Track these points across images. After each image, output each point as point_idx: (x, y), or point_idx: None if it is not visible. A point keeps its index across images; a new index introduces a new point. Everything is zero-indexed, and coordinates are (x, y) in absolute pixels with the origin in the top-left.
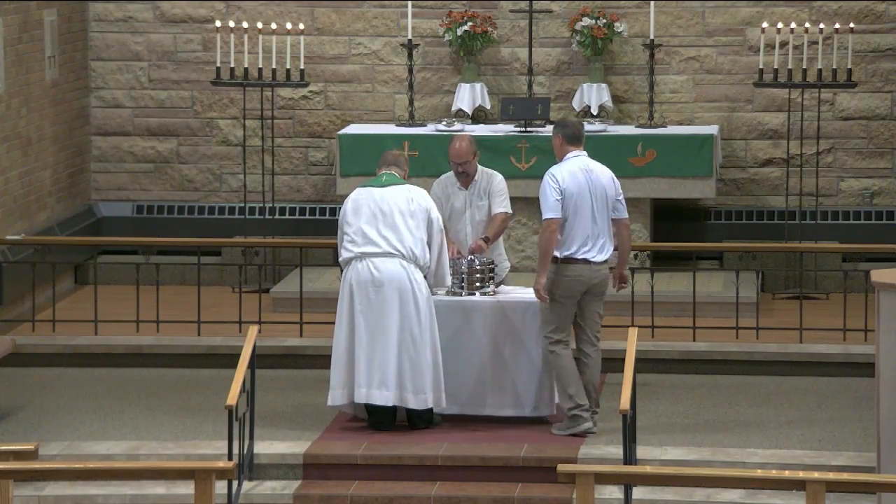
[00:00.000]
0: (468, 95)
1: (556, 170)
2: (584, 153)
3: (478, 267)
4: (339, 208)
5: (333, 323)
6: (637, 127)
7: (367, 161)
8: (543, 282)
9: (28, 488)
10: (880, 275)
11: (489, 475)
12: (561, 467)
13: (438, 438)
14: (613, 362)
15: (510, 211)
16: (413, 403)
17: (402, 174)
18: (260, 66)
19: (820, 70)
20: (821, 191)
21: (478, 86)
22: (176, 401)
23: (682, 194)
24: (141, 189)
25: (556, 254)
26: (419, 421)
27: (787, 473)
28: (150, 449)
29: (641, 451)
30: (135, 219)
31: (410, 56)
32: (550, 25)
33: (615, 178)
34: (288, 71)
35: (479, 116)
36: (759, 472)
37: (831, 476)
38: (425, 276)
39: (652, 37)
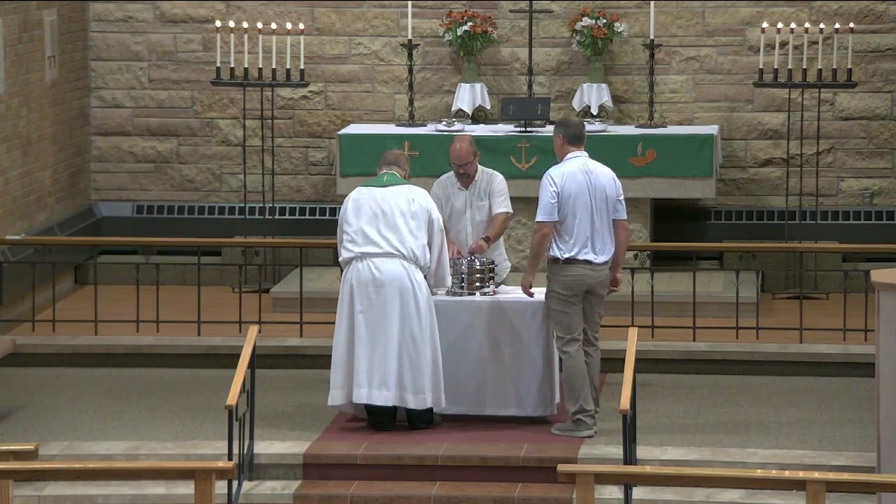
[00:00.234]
0: (468, 95)
1: (554, 171)
2: (585, 153)
3: (478, 267)
4: (339, 208)
5: (333, 323)
6: (637, 127)
7: (367, 161)
8: (530, 280)
9: (28, 488)
10: (880, 275)
11: (489, 475)
12: (561, 467)
13: (438, 438)
14: (613, 362)
15: (511, 211)
16: (413, 403)
17: (402, 174)
18: (260, 66)
19: (820, 70)
20: (821, 191)
21: (478, 86)
22: (176, 401)
23: (682, 194)
24: (141, 189)
25: (558, 255)
26: (419, 421)
27: (787, 473)
28: (150, 449)
29: (641, 451)
30: (135, 219)
31: (410, 56)
32: (550, 25)
33: (616, 178)
34: (288, 71)
35: (479, 116)
36: (759, 472)
37: (831, 476)
38: (425, 277)
39: (652, 37)
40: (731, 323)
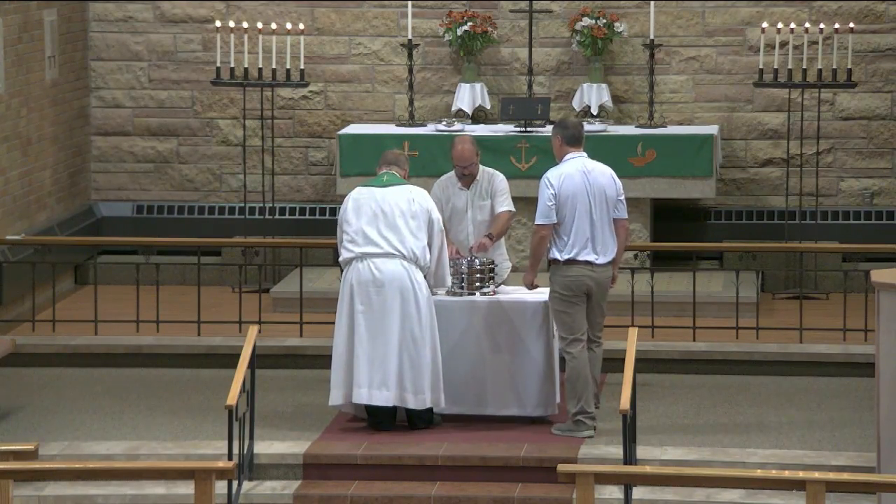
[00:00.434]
0: (468, 95)
1: (552, 173)
2: (584, 154)
3: (478, 267)
4: (339, 208)
5: (333, 323)
6: (637, 127)
7: (367, 161)
8: (531, 279)
9: (28, 488)
10: (880, 275)
11: (489, 475)
12: (561, 467)
13: (438, 438)
14: (613, 362)
15: (513, 209)
16: (413, 403)
17: (402, 174)
18: (260, 66)
19: (820, 70)
20: (821, 191)
21: (478, 86)
22: (176, 401)
23: (682, 194)
24: (141, 189)
25: (558, 256)
26: (419, 421)
27: (787, 473)
28: (150, 449)
29: (641, 451)
30: (135, 219)
31: (410, 56)
32: (550, 25)
33: (616, 177)
34: (288, 71)
35: (479, 116)
36: (759, 472)
37: (831, 476)
38: (425, 277)
39: (652, 37)
40: (731, 323)
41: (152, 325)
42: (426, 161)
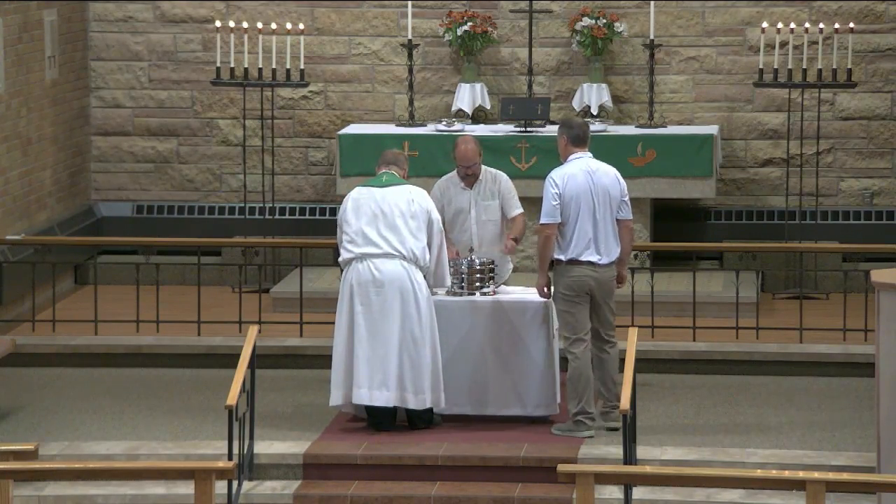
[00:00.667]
0: (468, 95)
1: (556, 173)
2: (589, 154)
3: (478, 267)
4: (339, 208)
5: (333, 323)
6: (637, 127)
7: (367, 161)
8: (543, 282)
9: (28, 488)
10: (880, 275)
11: (489, 475)
12: (561, 467)
13: (438, 438)
14: None
15: (522, 209)
16: (413, 404)
17: (401, 173)
18: (260, 66)
19: (820, 70)
20: (821, 191)
21: (478, 86)
22: (176, 401)
23: (682, 194)
24: (141, 189)
25: (561, 256)
26: (419, 421)
27: (787, 473)
28: (150, 449)
29: (641, 451)
30: (135, 219)
31: (410, 56)
32: (550, 25)
33: (621, 178)
34: (288, 71)
35: (479, 116)
36: (759, 472)
37: (831, 476)
38: (425, 277)
39: (652, 37)
40: (731, 323)
41: (152, 325)
42: (426, 161)
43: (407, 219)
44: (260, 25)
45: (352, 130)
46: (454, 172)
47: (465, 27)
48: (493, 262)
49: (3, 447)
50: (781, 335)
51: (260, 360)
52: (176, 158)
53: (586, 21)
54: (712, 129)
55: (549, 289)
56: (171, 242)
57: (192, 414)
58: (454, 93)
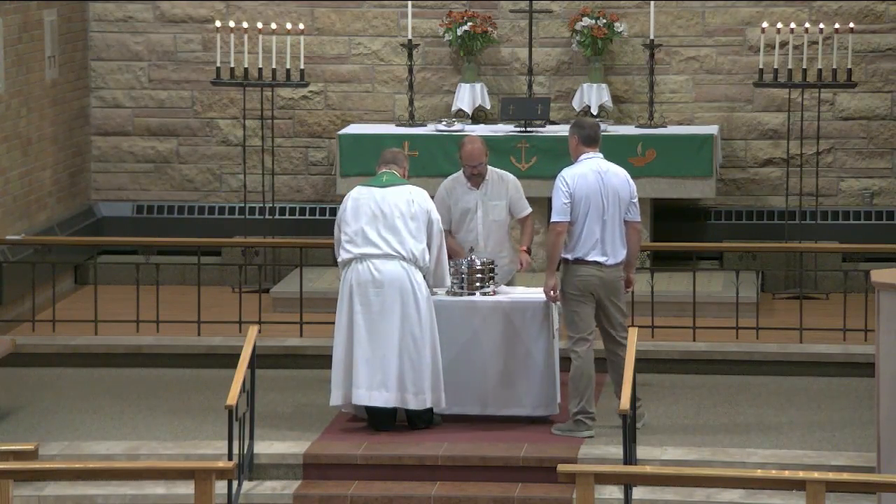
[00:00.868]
0: (468, 95)
1: (567, 172)
2: (600, 155)
3: (478, 267)
4: (339, 208)
5: (333, 323)
6: (637, 127)
7: (367, 161)
8: (552, 283)
9: (28, 488)
10: (880, 275)
11: (489, 475)
12: (561, 467)
13: (438, 438)
14: None
15: (531, 208)
16: (413, 404)
17: (401, 173)
18: (260, 66)
19: (820, 70)
20: (821, 191)
21: (478, 86)
22: (176, 401)
23: (682, 194)
24: (141, 189)
25: (567, 256)
26: (419, 421)
27: (787, 473)
28: (150, 449)
29: (641, 451)
30: (135, 219)
31: (410, 56)
32: (550, 25)
33: (630, 179)
34: (288, 71)
35: (479, 116)
36: (759, 472)
37: (831, 476)
38: (425, 277)
39: (652, 37)
40: (731, 323)
41: (152, 325)
42: (426, 161)
43: (407, 220)
44: (260, 25)
45: (352, 130)
46: (460, 173)
47: (465, 27)
48: (493, 263)
49: (3, 447)
50: (781, 335)
51: (260, 360)
52: (176, 158)
53: (586, 21)
54: (712, 129)
55: (556, 292)
56: (171, 242)
57: (192, 414)
58: (454, 93)
